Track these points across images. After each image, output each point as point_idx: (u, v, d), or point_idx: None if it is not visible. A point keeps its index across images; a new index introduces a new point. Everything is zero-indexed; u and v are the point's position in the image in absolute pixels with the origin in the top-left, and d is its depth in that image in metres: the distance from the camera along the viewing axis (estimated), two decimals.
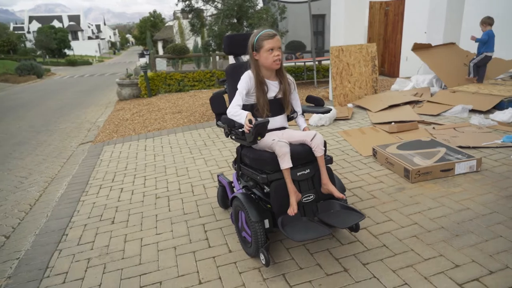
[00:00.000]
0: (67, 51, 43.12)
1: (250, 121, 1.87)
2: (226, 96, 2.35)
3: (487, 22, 5.66)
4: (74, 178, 3.99)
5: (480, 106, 4.65)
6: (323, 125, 4.91)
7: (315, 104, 2.39)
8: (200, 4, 5.65)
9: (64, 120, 8.23)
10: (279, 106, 2.20)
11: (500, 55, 6.37)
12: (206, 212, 2.81)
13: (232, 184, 2.60)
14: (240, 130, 2.07)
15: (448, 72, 6.13)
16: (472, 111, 4.68)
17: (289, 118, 2.34)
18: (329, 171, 2.09)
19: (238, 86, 2.11)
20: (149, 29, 36.05)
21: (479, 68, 5.81)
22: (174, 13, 30.32)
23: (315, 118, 4.97)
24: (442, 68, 6.17)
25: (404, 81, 6.64)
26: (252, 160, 2.10)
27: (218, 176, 2.79)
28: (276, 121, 2.19)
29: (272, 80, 2.17)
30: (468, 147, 3.46)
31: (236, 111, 2.01)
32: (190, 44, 18.27)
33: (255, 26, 5.24)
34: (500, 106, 4.57)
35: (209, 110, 6.77)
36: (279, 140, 1.93)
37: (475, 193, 2.67)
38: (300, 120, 2.35)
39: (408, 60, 9.63)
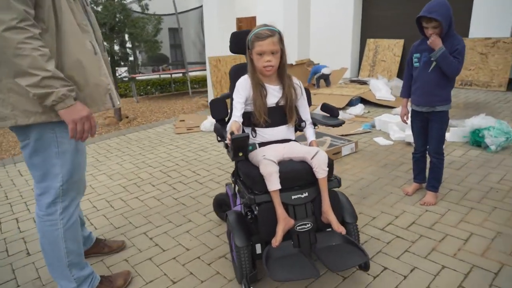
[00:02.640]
0: None
1: (232, 133, 1.63)
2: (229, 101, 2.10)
3: (310, 63, 7.34)
4: None
5: (337, 104, 5.75)
6: None
7: (330, 114, 2.07)
8: None
9: None
10: (282, 114, 1.91)
11: (334, 67, 7.93)
12: (140, 222, 2.71)
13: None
14: (225, 142, 1.83)
15: (303, 83, 7.29)
16: None
17: (300, 128, 2.07)
18: (335, 197, 1.79)
19: (234, 95, 1.88)
20: None
21: (326, 80, 7.13)
22: None
23: (206, 124, 5.20)
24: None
25: None
26: (244, 175, 1.85)
27: (226, 185, 2.47)
28: (278, 132, 1.92)
29: (273, 84, 1.90)
30: (343, 135, 4.31)
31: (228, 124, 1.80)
32: None
33: (138, 36, 5.11)
34: (351, 103, 5.76)
35: None
36: (265, 157, 1.70)
37: (362, 167, 3.41)
38: (309, 131, 2.03)
39: None
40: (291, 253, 1.72)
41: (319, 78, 7.00)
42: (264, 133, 1.92)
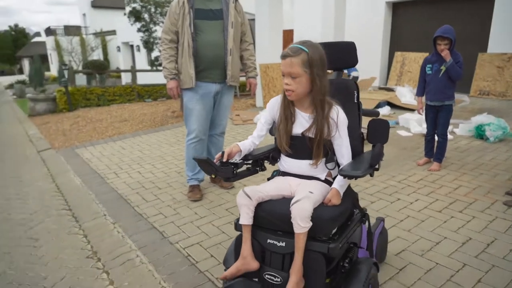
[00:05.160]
0: None
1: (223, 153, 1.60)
2: None
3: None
4: (80, 173, 4.45)
5: (366, 105, 6.83)
6: None
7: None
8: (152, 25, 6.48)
9: None
10: (307, 147, 1.61)
11: (364, 76, 8.98)
12: None
13: None
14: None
15: None
16: None
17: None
18: (315, 262, 1.43)
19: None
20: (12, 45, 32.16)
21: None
22: (50, 29, 28.10)
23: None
24: None
25: None
26: None
27: None
28: (299, 165, 1.66)
29: (304, 112, 1.61)
30: None
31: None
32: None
33: None
34: (379, 106, 6.83)
35: (158, 117, 7.52)
36: (243, 189, 1.53)
37: (386, 150, 4.48)
38: (338, 177, 1.59)
39: None
40: None
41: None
42: (285, 162, 1.72)
